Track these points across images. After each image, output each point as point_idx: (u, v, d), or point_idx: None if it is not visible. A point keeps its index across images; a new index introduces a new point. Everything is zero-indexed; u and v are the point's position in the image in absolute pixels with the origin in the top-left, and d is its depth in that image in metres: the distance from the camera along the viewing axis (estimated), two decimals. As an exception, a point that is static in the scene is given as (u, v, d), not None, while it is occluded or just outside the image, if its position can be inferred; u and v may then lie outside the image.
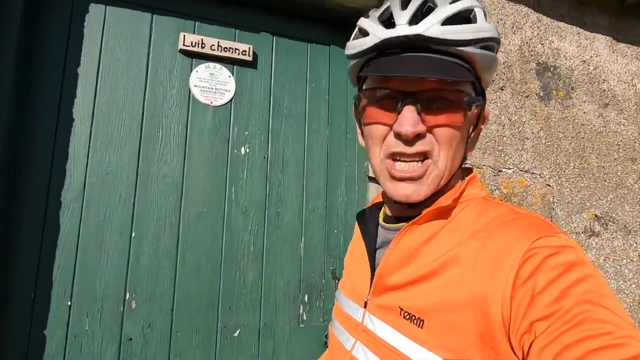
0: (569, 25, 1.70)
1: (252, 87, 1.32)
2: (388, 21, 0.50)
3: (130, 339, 1.09)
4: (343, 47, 1.46)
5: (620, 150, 1.73)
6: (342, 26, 1.43)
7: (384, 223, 0.60)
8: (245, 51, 1.29)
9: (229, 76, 1.29)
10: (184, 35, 1.23)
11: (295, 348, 1.25)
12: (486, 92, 0.54)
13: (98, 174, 1.12)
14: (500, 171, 1.42)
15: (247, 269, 1.23)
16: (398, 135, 0.49)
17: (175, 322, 1.14)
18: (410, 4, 0.49)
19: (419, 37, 0.47)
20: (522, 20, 1.58)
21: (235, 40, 1.31)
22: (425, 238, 0.51)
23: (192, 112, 1.24)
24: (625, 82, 1.81)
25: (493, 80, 1.48)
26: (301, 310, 1.28)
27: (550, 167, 1.53)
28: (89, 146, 1.12)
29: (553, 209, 1.50)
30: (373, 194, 1.34)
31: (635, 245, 1.65)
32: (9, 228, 1.01)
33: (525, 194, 1.45)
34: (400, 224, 0.56)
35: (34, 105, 1.07)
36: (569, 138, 1.61)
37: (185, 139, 1.22)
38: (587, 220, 1.58)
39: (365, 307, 0.55)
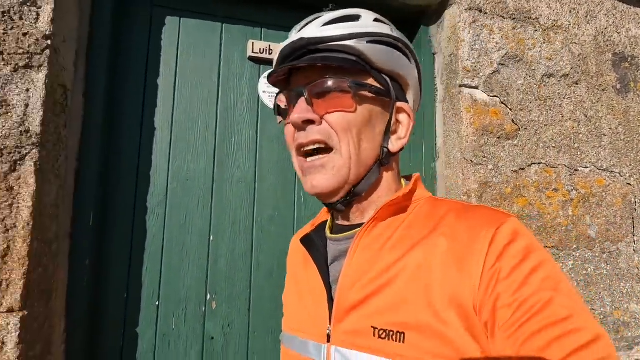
0: (648, 11, 1.58)
1: (318, 90, 1.33)
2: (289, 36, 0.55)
3: (212, 338, 1.14)
4: (406, 46, 1.43)
5: None
6: (406, 25, 1.41)
7: (332, 235, 0.57)
8: (310, 55, 1.30)
9: (295, 81, 1.30)
10: (252, 43, 1.25)
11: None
12: (406, 91, 0.57)
13: (178, 180, 1.17)
14: (576, 170, 1.35)
15: (317, 271, 1.25)
16: (295, 126, 0.51)
17: (252, 323, 1.17)
18: (305, 20, 0.55)
19: (300, 40, 0.51)
20: (596, 8, 1.48)
21: (300, 45, 1.32)
22: (383, 240, 0.51)
23: (261, 117, 1.26)
24: None
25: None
26: (371, 313, 1.28)
27: (631, 165, 1.44)
28: (170, 154, 1.17)
29: (635, 209, 1.41)
30: (442, 196, 1.32)
31: None
32: (103, 233, 1.08)
33: (604, 194, 1.37)
34: (352, 232, 0.54)
35: (120, 118, 1.14)
36: (650, 133, 1.50)
37: (256, 144, 1.25)
38: (671, 221, 1.47)
39: (328, 341, 0.49)
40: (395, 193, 0.55)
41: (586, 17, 1.46)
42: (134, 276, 1.10)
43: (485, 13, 1.31)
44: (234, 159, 1.22)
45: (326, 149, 0.51)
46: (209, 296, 1.15)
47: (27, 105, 0.85)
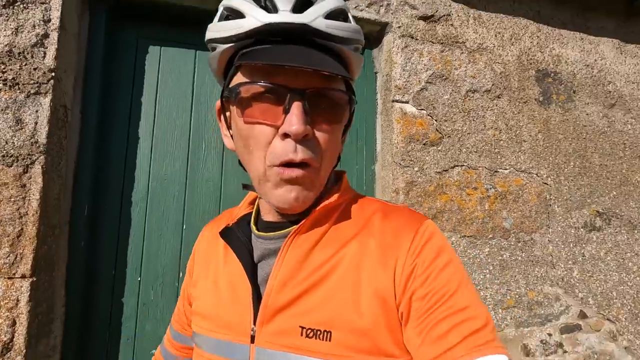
0: (572, 32, 1.80)
1: (276, 105, 1.58)
2: (267, 5, 0.46)
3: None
4: (353, 66, 1.68)
5: (627, 149, 1.80)
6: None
7: (261, 233, 0.54)
8: (269, 75, 1.55)
9: (257, 97, 1.56)
10: (221, 66, 1.52)
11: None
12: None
13: (157, 179, 1.44)
14: (496, 172, 1.58)
15: (273, 255, 1.51)
16: (285, 136, 0.45)
17: (217, 296, 1.43)
18: None
19: (305, 27, 0.44)
20: (520, 31, 1.71)
21: (261, 67, 1.58)
22: (314, 239, 0.50)
23: (227, 128, 1.53)
24: (634, 83, 1.87)
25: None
26: (318, 291, 1.53)
27: (548, 167, 1.66)
28: (151, 158, 1.44)
29: (550, 205, 1.63)
30: (379, 193, 1.56)
31: None
32: (96, 221, 1.35)
33: (520, 192, 1.59)
34: (285, 230, 0.52)
35: (110, 129, 1.41)
36: (569, 139, 1.72)
37: (222, 149, 1.51)
38: (587, 216, 1.69)
39: (252, 342, 0.48)
40: (328, 192, 0.53)
41: (510, 39, 1.69)
42: (121, 256, 1.37)
43: (416, 39, 1.55)
44: (203, 163, 1.49)
45: (307, 164, 0.47)
46: (181, 274, 1.41)
47: (36, 123, 1.13)
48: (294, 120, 0.44)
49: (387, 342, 0.45)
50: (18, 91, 1.12)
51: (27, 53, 1.14)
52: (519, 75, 1.68)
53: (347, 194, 0.56)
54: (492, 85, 1.62)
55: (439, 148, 1.52)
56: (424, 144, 1.50)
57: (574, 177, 1.70)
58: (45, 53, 1.16)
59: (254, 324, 0.48)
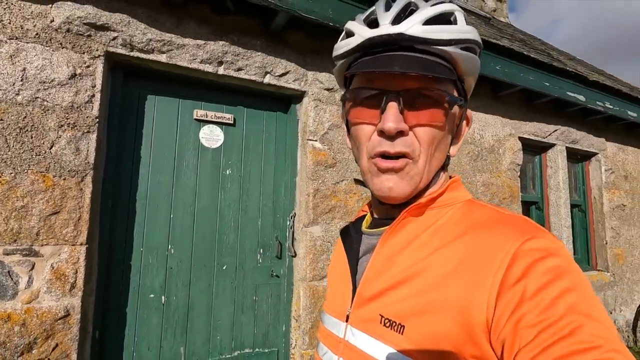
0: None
1: (233, 137, 2.43)
2: (372, 22, 0.54)
3: (171, 268, 2.18)
4: (284, 112, 2.60)
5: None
6: (283, 101, 2.57)
7: (367, 229, 0.61)
8: (229, 118, 2.40)
9: (220, 132, 2.39)
10: (196, 110, 2.31)
11: (255, 277, 2.39)
12: (468, 95, 0.58)
13: (154, 185, 2.18)
14: (368, 183, 2.64)
15: (230, 235, 2.35)
16: (382, 133, 0.51)
17: (194, 261, 2.23)
18: (394, 5, 0.53)
19: (401, 36, 0.49)
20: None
21: (224, 112, 2.41)
22: (408, 240, 0.53)
23: (201, 151, 2.33)
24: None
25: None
26: (258, 257, 2.42)
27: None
28: (149, 171, 2.18)
29: (398, 204, 2.75)
30: (298, 195, 2.49)
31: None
32: (115, 211, 2.05)
33: (381, 196, 2.68)
34: (383, 228, 0.56)
35: (124, 151, 2.12)
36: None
37: (197, 166, 2.31)
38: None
39: (347, 320, 0.56)
40: (430, 194, 0.55)
41: (379, 103, 2.77)
42: (129, 234, 2.10)
43: (322, 102, 2.53)
44: (184, 174, 2.27)
45: (404, 156, 0.52)
46: (169, 246, 2.19)
47: (87, 150, 1.83)
48: (388, 118, 0.50)
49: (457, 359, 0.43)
50: (77, 130, 1.81)
51: (82, 107, 1.84)
52: (384, 125, 2.76)
53: (453, 197, 0.56)
54: (367, 131, 2.67)
55: (334, 169, 2.52)
56: (325, 167, 2.49)
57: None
58: (92, 107, 1.87)
59: (351, 306, 0.56)
